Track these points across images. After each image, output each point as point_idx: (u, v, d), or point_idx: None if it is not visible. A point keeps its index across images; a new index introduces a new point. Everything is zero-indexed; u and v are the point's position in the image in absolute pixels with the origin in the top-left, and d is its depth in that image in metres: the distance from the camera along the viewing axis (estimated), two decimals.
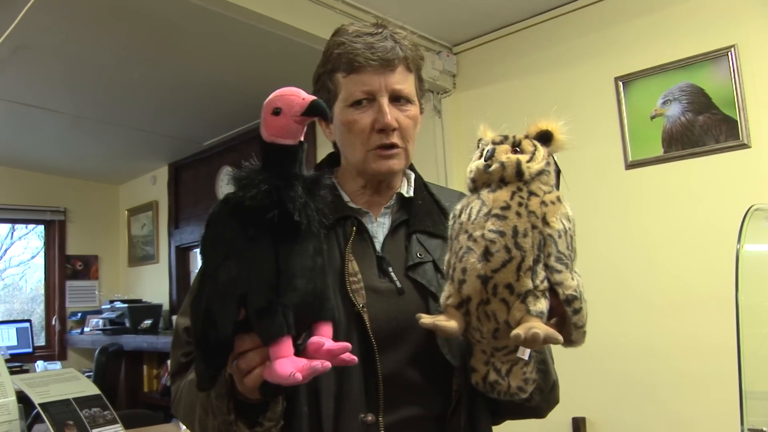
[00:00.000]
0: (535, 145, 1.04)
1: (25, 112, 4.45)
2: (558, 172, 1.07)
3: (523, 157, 1.01)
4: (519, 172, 1.00)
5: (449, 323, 0.99)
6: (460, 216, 1.04)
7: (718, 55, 2.82)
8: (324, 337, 0.87)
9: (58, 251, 6.32)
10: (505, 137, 1.05)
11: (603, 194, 3.11)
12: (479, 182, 1.04)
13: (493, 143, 1.05)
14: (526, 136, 1.06)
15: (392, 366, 1.14)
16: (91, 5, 3.09)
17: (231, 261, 0.85)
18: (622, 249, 3.05)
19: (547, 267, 0.97)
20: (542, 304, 0.96)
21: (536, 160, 1.02)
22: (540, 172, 1.02)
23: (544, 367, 1.16)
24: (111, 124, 4.86)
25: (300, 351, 0.86)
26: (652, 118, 2.98)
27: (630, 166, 3.05)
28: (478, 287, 0.97)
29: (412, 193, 1.33)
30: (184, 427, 2.13)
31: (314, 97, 0.86)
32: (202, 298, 0.86)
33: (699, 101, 2.86)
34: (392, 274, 1.21)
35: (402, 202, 1.32)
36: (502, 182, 1.01)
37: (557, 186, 1.05)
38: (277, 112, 0.85)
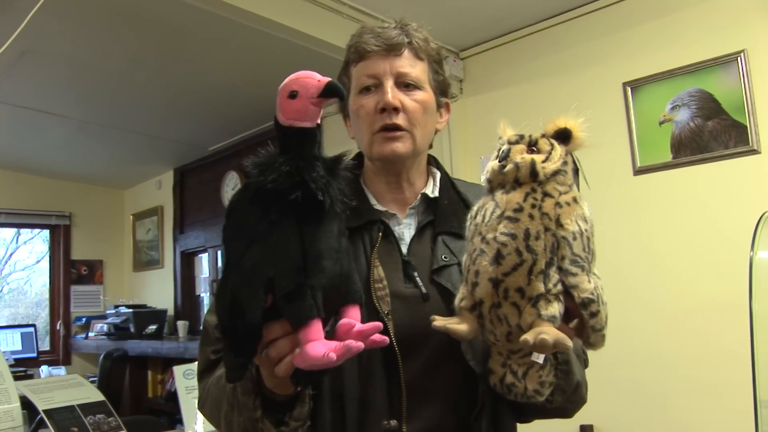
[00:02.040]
0: (552, 144, 1.02)
1: (31, 116, 4.46)
2: (576, 171, 1.05)
3: (538, 157, 0.99)
4: (533, 173, 0.98)
5: (460, 326, 0.98)
6: (475, 217, 1.03)
7: (728, 60, 2.80)
8: (353, 320, 0.87)
9: (63, 256, 6.32)
10: (521, 136, 1.03)
11: (611, 200, 3.09)
12: (495, 183, 1.02)
13: (509, 143, 1.03)
14: (543, 135, 1.04)
15: (415, 373, 1.14)
16: (98, 10, 3.09)
17: (255, 246, 0.83)
18: (630, 255, 3.02)
19: (561, 270, 0.94)
20: (554, 308, 0.94)
21: (552, 159, 1.00)
22: (556, 173, 0.99)
23: (566, 367, 1.14)
24: (117, 129, 4.87)
25: (329, 336, 0.84)
26: (661, 123, 2.96)
27: (638, 171, 3.03)
28: (490, 290, 0.95)
29: (437, 193, 1.31)
30: None
31: (330, 79, 0.86)
32: (227, 287, 0.84)
33: (708, 107, 2.84)
34: (417, 279, 1.20)
35: (428, 202, 1.30)
36: (517, 183, 0.99)
37: (577, 185, 1.03)
38: (293, 95, 0.85)
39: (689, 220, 2.87)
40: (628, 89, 3.07)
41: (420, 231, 1.26)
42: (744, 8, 2.80)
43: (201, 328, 1.24)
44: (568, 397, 1.16)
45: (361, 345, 0.80)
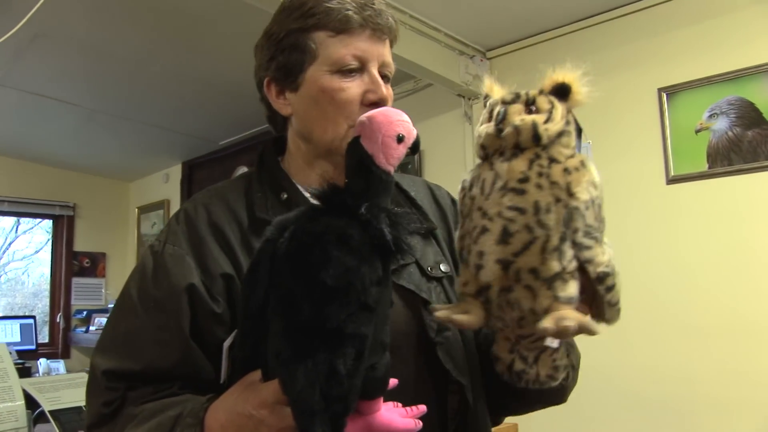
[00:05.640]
0: (551, 102, 0.91)
1: (39, 103, 4.34)
2: (579, 131, 0.94)
3: (540, 118, 0.89)
4: (536, 136, 0.88)
5: (466, 316, 0.88)
6: (471, 189, 0.91)
7: None
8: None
9: (65, 247, 6.20)
10: (517, 95, 0.92)
11: (642, 209, 2.98)
12: (490, 149, 0.91)
13: (503, 103, 0.92)
14: (541, 92, 0.93)
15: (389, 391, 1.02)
16: None
17: (365, 313, 0.73)
18: (660, 267, 2.91)
19: (574, 244, 0.85)
20: (572, 288, 0.85)
21: (554, 120, 0.89)
22: (560, 134, 0.89)
23: (571, 341, 1.05)
24: (127, 120, 4.75)
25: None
26: (697, 131, 2.85)
27: (672, 180, 2.92)
28: (499, 273, 0.86)
29: None
30: None
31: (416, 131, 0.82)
32: (322, 357, 0.71)
33: (748, 116, 2.73)
34: None
35: None
36: (517, 148, 0.89)
37: (579, 148, 0.92)
38: (401, 138, 0.78)
39: (724, 234, 2.76)
40: (664, 95, 2.96)
41: None
42: None
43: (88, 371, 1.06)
44: (575, 373, 1.08)
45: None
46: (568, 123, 0.91)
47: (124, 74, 3.93)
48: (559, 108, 0.91)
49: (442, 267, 1.14)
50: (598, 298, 0.87)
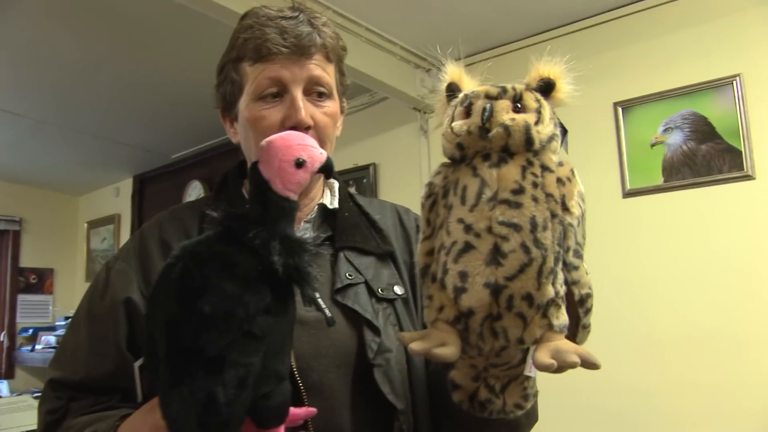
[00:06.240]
0: (538, 101, 0.82)
1: None
2: (564, 133, 0.86)
3: (530, 118, 0.80)
4: (529, 139, 0.78)
5: (447, 349, 0.77)
6: (445, 196, 0.82)
7: (723, 84, 2.72)
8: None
9: (10, 263, 6.01)
10: (504, 89, 0.82)
11: (598, 223, 2.97)
12: (470, 151, 0.81)
13: (488, 97, 0.81)
14: (527, 87, 0.84)
15: (324, 412, 0.96)
16: (60, 1, 2.88)
17: (252, 342, 0.70)
18: (617, 280, 2.91)
19: (564, 264, 0.78)
20: (565, 316, 0.78)
21: (544, 121, 0.81)
22: (550, 138, 0.81)
23: None
24: (75, 131, 4.62)
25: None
26: (653, 145, 2.87)
27: (628, 194, 2.93)
28: (487, 299, 0.75)
29: (336, 204, 1.15)
30: None
31: (327, 154, 0.80)
32: (191, 383, 0.69)
33: (702, 130, 2.76)
34: (320, 300, 1.03)
35: (325, 214, 1.14)
36: (505, 152, 0.79)
37: (567, 151, 0.86)
38: (300, 163, 0.75)
39: (679, 246, 2.78)
40: (619, 109, 2.98)
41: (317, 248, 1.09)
42: (739, 32, 2.74)
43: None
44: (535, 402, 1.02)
45: None
46: (556, 125, 0.83)
47: (73, 84, 3.81)
48: (547, 107, 0.83)
49: (396, 289, 1.11)
50: (572, 319, 0.80)
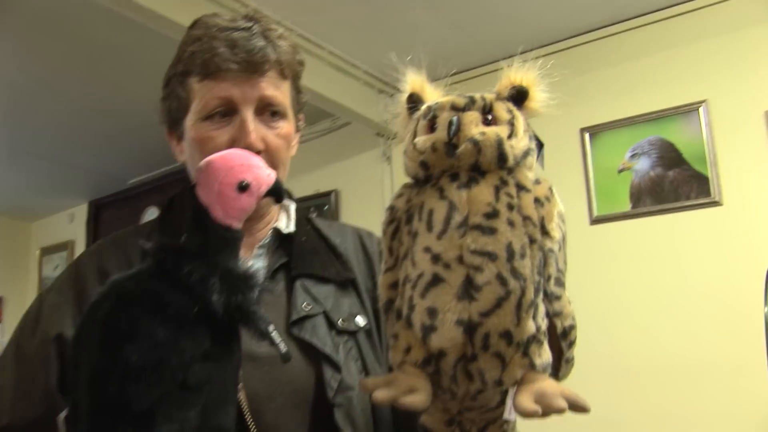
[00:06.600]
0: (511, 111, 0.74)
1: None
2: (540, 147, 0.78)
3: (502, 131, 0.71)
4: (502, 156, 0.70)
5: (417, 397, 0.68)
6: (409, 222, 0.73)
7: (689, 110, 2.74)
8: None
9: None
10: (472, 99, 0.74)
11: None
12: (436, 170, 0.72)
13: (455, 109, 0.73)
14: (498, 96, 0.76)
15: None
16: (12, 19, 2.78)
17: (185, 393, 0.62)
18: (585, 309, 2.83)
19: (545, 294, 0.70)
20: (548, 353, 0.70)
21: (518, 134, 0.73)
22: (526, 153, 0.73)
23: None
24: (28, 155, 4.48)
25: None
26: (620, 171, 2.86)
27: (595, 221, 2.92)
28: (459, 338, 0.67)
29: (293, 228, 1.06)
30: None
31: (276, 174, 0.72)
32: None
33: (669, 156, 2.76)
34: (273, 334, 0.93)
35: (281, 239, 1.05)
36: (475, 170, 0.71)
37: (542, 167, 0.78)
38: (244, 187, 0.66)
39: (648, 273, 2.77)
40: (586, 135, 2.97)
41: (272, 275, 1.01)
42: (705, 58, 2.76)
43: None
44: None
45: None
46: (530, 138, 0.75)
47: (25, 106, 3.70)
48: (520, 118, 0.75)
49: (358, 320, 1.02)
50: (554, 353, 0.73)
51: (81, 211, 5.84)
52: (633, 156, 2.83)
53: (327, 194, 3.78)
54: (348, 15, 2.91)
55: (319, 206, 3.74)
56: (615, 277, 2.84)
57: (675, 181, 2.73)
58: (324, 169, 3.82)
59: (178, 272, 0.63)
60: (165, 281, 0.64)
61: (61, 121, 3.97)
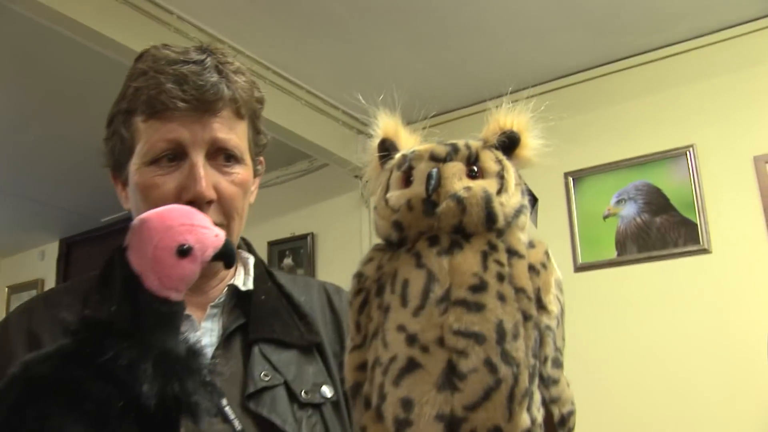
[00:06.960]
0: (500, 162, 0.64)
1: None
2: (534, 201, 0.68)
3: (491, 185, 0.61)
4: (490, 216, 0.59)
5: None
6: (380, 294, 0.61)
7: (676, 155, 2.69)
8: None
9: None
10: (455, 148, 0.63)
11: None
12: (411, 231, 0.61)
13: (434, 159, 0.62)
14: (485, 144, 0.65)
15: None
16: None
17: None
18: (568, 360, 2.76)
19: (541, 379, 0.60)
20: None
21: (508, 188, 0.62)
22: (518, 211, 0.62)
23: None
24: None
25: None
26: (605, 217, 2.80)
27: (579, 268, 2.85)
28: None
29: (251, 285, 0.95)
30: None
31: (225, 235, 0.62)
32: None
33: (656, 201, 2.71)
34: (227, 409, 0.82)
35: (238, 297, 0.94)
36: (459, 233, 0.60)
37: (535, 224, 0.67)
38: (185, 251, 0.56)
39: (634, 323, 2.69)
40: (570, 180, 2.91)
41: (227, 339, 0.89)
42: (693, 103, 2.73)
43: None
44: None
45: None
46: (523, 193, 0.65)
47: None
48: (511, 170, 0.64)
49: (324, 390, 0.91)
50: None
51: (52, 249, 5.77)
52: (618, 201, 2.77)
53: (303, 237, 3.71)
54: (327, 54, 2.86)
55: (294, 249, 3.68)
56: (600, 327, 2.76)
57: (662, 228, 2.66)
58: (300, 211, 3.76)
59: (101, 356, 0.52)
60: (85, 367, 0.53)
61: (32, 158, 3.91)
